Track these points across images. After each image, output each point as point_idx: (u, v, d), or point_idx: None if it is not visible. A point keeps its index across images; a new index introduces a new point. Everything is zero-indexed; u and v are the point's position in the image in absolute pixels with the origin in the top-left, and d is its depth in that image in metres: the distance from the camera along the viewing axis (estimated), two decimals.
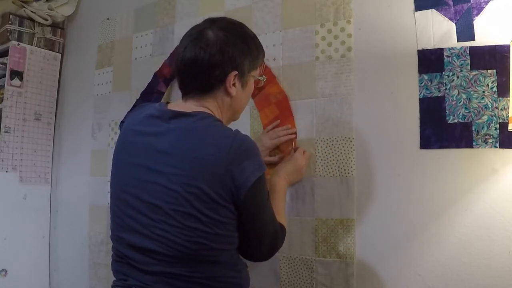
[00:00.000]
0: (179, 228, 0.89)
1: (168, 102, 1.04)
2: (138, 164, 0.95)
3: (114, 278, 1.00)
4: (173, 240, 0.89)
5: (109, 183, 1.05)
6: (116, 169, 1.01)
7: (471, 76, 1.17)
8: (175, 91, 1.70)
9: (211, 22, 1.01)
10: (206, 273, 0.93)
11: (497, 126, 1.13)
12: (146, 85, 1.75)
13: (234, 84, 1.00)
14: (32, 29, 2.04)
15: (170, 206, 0.89)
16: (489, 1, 1.16)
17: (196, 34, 0.99)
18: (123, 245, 0.96)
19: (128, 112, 0.99)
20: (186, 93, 1.02)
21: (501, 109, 1.13)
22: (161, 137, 0.94)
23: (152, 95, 1.73)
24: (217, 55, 0.96)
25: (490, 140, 1.13)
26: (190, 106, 1.00)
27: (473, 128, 1.15)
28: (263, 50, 1.10)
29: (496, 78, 1.14)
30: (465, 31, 1.18)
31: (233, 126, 1.51)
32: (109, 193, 1.04)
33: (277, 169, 1.30)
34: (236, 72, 0.99)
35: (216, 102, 1.01)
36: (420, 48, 1.24)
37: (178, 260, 0.91)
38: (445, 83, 1.20)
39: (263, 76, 1.13)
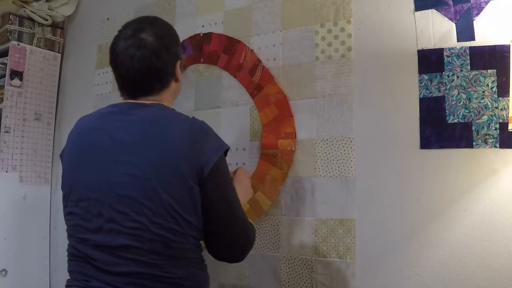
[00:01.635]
0: (152, 216, 0.90)
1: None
2: (105, 159, 0.94)
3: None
4: (147, 229, 0.90)
5: None
6: (75, 169, 1.00)
7: (471, 76, 1.17)
8: None
9: (140, 28, 1.01)
10: (177, 273, 0.93)
11: (497, 126, 1.13)
12: None
13: (179, 71, 1.08)
14: (32, 29, 2.04)
15: (143, 195, 0.90)
16: (489, 1, 1.16)
17: (137, 43, 0.99)
18: (87, 246, 0.94)
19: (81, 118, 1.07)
20: (140, 95, 1.03)
21: (501, 109, 1.13)
22: (124, 130, 0.95)
23: None
24: (165, 56, 1.02)
25: (490, 140, 1.13)
26: (144, 100, 1.03)
27: (473, 128, 1.15)
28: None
29: (496, 78, 1.14)
30: (465, 31, 1.18)
31: (234, 123, 1.52)
32: (65, 199, 1.02)
33: None
34: (179, 61, 1.08)
35: (169, 94, 1.07)
36: (420, 48, 1.24)
37: (151, 254, 0.90)
38: (445, 83, 1.20)
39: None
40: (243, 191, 1.22)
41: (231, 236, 0.99)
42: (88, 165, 0.97)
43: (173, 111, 1.01)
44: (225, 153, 1.00)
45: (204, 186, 0.94)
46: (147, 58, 0.98)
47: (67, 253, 1.01)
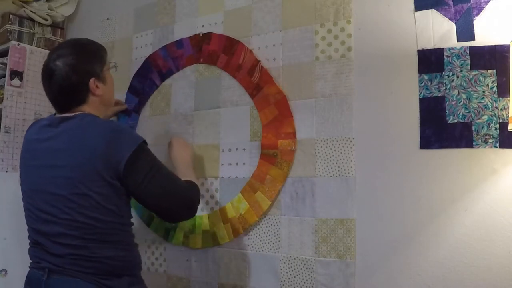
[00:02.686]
0: (78, 208, 1.10)
1: (55, 114, 1.26)
2: (43, 165, 1.16)
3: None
4: (75, 219, 1.10)
5: None
6: (25, 173, 1.23)
7: (471, 76, 1.17)
8: (175, 89, 1.70)
9: (56, 56, 1.20)
10: (104, 254, 1.13)
11: (497, 126, 1.13)
12: (139, 67, 1.78)
13: (97, 86, 1.23)
14: (32, 29, 2.04)
15: (70, 191, 1.10)
16: (489, 1, 1.16)
17: (50, 70, 1.19)
18: (38, 235, 1.16)
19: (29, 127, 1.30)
20: (67, 110, 1.22)
21: (501, 109, 1.13)
22: (55, 139, 1.16)
23: (146, 80, 1.76)
24: (74, 78, 1.18)
25: (490, 140, 1.13)
26: (69, 113, 1.22)
27: (473, 128, 1.15)
28: (102, 46, 1.31)
29: (496, 78, 1.14)
30: (465, 31, 1.18)
31: (234, 123, 1.52)
32: (22, 196, 1.23)
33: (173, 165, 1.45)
34: (93, 78, 1.22)
35: (92, 105, 1.24)
36: (420, 48, 1.24)
37: (82, 240, 1.10)
38: (445, 83, 1.20)
39: (112, 62, 1.36)
40: (180, 156, 1.45)
41: (172, 206, 1.19)
42: (32, 170, 1.20)
43: (94, 118, 1.19)
44: (145, 143, 1.17)
45: (126, 178, 1.12)
46: (58, 82, 1.18)
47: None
